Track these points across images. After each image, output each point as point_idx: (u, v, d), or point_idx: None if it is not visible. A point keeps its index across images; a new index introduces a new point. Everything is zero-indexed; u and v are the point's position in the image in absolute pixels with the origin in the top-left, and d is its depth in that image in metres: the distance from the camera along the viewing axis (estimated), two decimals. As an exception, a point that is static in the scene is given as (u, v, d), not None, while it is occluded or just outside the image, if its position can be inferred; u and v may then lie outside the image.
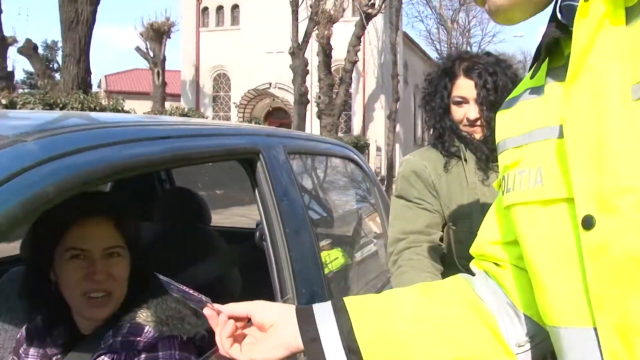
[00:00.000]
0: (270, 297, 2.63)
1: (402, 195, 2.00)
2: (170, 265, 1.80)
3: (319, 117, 19.32)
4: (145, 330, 1.47)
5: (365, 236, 3.09)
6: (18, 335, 1.62)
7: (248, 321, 1.07)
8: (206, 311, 1.07)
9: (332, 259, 2.30)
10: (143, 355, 1.43)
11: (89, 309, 1.47)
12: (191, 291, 1.07)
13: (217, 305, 1.07)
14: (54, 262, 1.48)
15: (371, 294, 1.07)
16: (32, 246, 1.54)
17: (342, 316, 1.01)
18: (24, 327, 1.62)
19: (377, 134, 29.57)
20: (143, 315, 1.49)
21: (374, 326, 1.00)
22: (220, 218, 6.65)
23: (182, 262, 1.82)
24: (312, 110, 23.90)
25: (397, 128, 27.78)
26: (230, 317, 1.05)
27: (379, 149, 28.20)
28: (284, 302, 1.64)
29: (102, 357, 1.46)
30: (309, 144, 2.32)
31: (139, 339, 1.46)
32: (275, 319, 1.04)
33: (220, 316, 1.05)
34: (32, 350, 1.56)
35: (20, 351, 1.58)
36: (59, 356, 1.50)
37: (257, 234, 1.70)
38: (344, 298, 1.05)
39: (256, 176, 1.70)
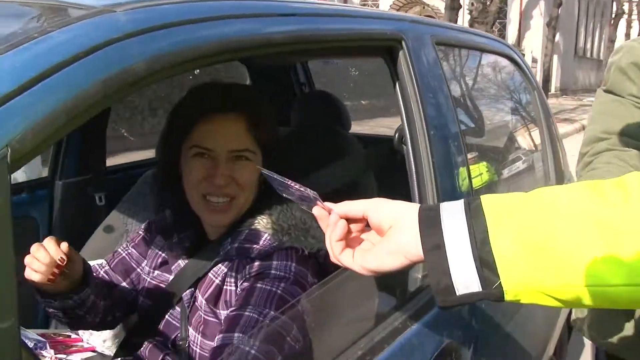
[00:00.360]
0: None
1: (614, 90, 1.57)
2: (302, 168, 1.64)
3: (471, 25, 18.15)
4: (262, 238, 1.32)
5: (518, 150, 2.73)
6: (145, 224, 1.56)
7: (367, 225, 0.87)
8: (315, 210, 0.88)
9: (476, 174, 2.00)
10: (256, 263, 1.29)
11: (208, 214, 1.35)
12: (298, 186, 0.87)
13: (328, 204, 0.88)
14: (181, 158, 1.37)
15: (518, 192, 0.82)
16: (163, 140, 1.44)
17: (476, 220, 0.78)
18: (152, 219, 1.55)
19: (533, 44, 27.50)
20: (263, 222, 1.34)
21: (518, 234, 0.76)
22: (364, 129, 6.48)
23: (316, 166, 1.64)
24: (464, 18, 22.60)
25: (557, 37, 25.66)
26: (343, 218, 0.87)
27: (534, 60, 26.29)
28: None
29: (219, 264, 1.34)
30: (461, 35, 1.98)
31: (254, 246, 1.31)
32: (395, 219, 0.83)
33: (330, 215, 0.87)
34: (156, 244, 1.49)
35: (146, 240, 1.52)
36: (184, 257, 1.41)
37: (397, 135, 1.45)
38: (482, 196, 0.81)
39: (398, 68, 1.44)
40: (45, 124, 0.72)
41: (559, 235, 0.74)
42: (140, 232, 1.55)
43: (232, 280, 1.31)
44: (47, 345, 2.13)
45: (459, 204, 0.81)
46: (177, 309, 1.40)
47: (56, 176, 2.55)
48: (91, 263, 2.31)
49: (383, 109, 9.85)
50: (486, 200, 0.80)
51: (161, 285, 1.45)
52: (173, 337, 1.39)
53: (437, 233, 0.79)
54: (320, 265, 1.34)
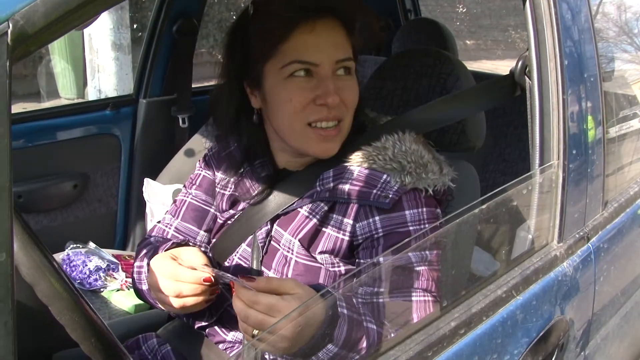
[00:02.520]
0: (522, 152, 2.12)
1: None
2: (402, 98, 1.42)
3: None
4: (381, 180, 1.11)
5: (635, 106, 2.33)
6: (201, 161, 1.34)
7: None
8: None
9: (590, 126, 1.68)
10: (382, 216, 1.09)
11: (316, 144, 1.12)
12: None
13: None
14: (263, 83, 1.13)
15: None
16: (234, 59, 1.18)
17: None
18: (207, 153, 1.34)
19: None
20: (379, 160, 1.12)
21: None
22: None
23: (419, 97, 1.40)
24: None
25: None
26: None
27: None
28: (543, 169, 1.15)
29: (318, 202, 1.13)
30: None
31: (373, 190, 1.10)
32: None
33: None
34: (220, 179, 1.28)
35: (209, 176, 1.31)
36: (260, 188, 1.19)
37: (519, 65, 1.19)
38: None
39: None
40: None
41: None
42: (199, 171, 1.33)
43: (341, 226, 1.12)
44: (120, 267, 2.07)
45: None
46: (247, 249, 1.21)
47: (140, 94, 2.46)
48: (170, 187, 2.24)
49: (487, 51, 9.31)
50: None
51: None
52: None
53: None
54: (438, 202, 1.14)
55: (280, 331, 0.86)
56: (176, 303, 1.01)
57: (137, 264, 1.22)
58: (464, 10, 9.68)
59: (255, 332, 0.87)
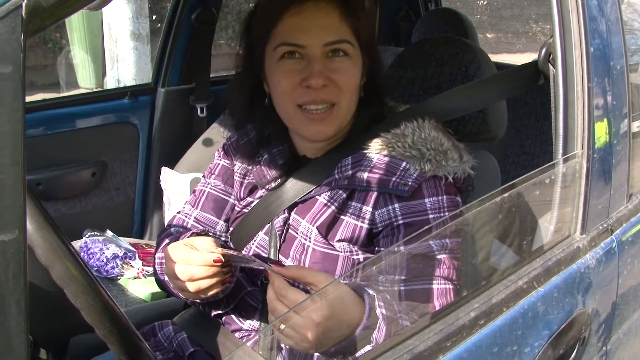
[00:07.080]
0: (543, 144, 2.08)
1: None
2: (422, 86, 1.39)
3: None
4: (401, 167, 1.09)
5: None
6: (220, 150, 1.34)
7: None
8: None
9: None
10: (402, 204, 1.08)
11: (306, 125, 1.13)
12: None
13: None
14: (264, 67, 1.15)
15: None
16: (241, 45, 1.22)
17: None
18: (227, 141, 1.34)
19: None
20: (399, 147, 1.11)
21: None
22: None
23: (439, 85, 1.38)
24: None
25: None
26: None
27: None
28: (566, 159, 1.13)
29: (337, 190, 1.12)
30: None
31: (392, 178, 1.09)
32: None
33: None
34: (239, 168, 1.28)
35: (227, 166, 1.31)
36: (277, 176, 1.20)
37: (542, 52, 1.16)
38: None
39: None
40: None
41: None
42: (217, 160, 1.33)
43: (360, 213, 1.11)
44: (137, 255, 2.07)
45: None
46: (265, 237, 1.20)
47: (159, 83, 2.46)
48: (187, 176, 2.24)
49: (509, 44, 9.22)
50: None
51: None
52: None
53: None
54: (458, 190, 1.13)
55: (303, 331, 0.87)
56: (191, 287, 1.02)
57: (158, 254, 1.23)
58: (485, 2, 9.58)
59: (282, 326, 0.88)
